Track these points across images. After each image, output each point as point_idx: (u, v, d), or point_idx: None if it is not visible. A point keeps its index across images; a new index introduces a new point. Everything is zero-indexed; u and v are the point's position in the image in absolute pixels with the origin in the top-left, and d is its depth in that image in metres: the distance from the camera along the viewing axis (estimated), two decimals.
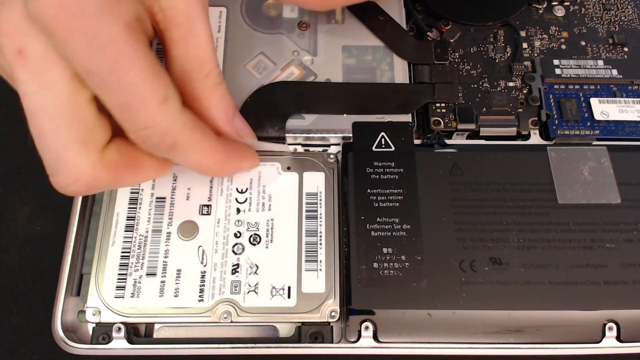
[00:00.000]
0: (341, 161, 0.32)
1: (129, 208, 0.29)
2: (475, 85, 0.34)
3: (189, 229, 0.29)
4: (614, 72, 0.34)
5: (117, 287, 0.28)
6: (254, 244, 0.29)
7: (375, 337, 0.28)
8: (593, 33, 0.36)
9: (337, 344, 0.28)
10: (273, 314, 0.28)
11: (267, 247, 0.29)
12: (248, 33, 0.36)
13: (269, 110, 0.33)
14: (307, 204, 0.30)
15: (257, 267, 0.28)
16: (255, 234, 0.29)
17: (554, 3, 0.37)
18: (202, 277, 0.28)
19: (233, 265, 0.28)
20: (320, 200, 0.30)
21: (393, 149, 0.31)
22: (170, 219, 0.29)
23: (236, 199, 0.30)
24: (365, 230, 0.29)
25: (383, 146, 0.31)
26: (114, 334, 0.28)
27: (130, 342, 0.28)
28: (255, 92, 0.33)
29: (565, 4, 0.37)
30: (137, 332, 0.29)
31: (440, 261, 0.29)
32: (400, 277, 0.28)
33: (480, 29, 0.36)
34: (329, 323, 0.28)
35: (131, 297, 0.28)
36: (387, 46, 0.35)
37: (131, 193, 0.29)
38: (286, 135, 0.32)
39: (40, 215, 0.33)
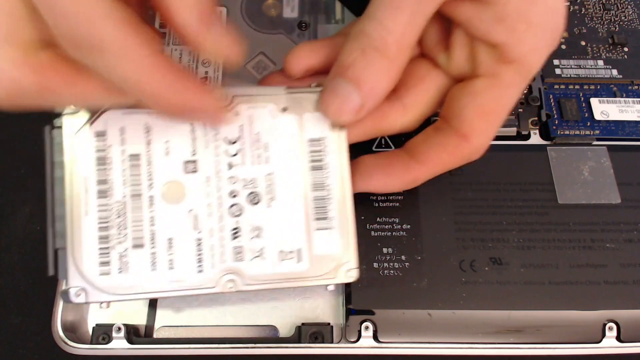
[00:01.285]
0: None
1: (98, 170, 0.24)
2: None
3: (174, 191, 0.25)
4: (614, 72, 0.34)
5: (100, 262, 0.24)
6: (254, 204, 0.25)
7: (375, 337, 0.28)
8: (593, 33, 0.36)
9: (337, 344, 0.28)
10: (284, 280, 0.25)
11: (269, 207, 0.25)
12: (248, 33, 0.36)
13: None
14: (311, 152, 0.25)
15: (261, 229, 0.25)
16: (253, 192, 0.25)
17: None
18: (198, 245, 0.24)
19: (232, 230, 0.24)
20: (326, 146, 0.25)
21: (393, 148, 0.31)
22: (150, 180, 0.24)
23: (226, 152, 0.25)
24: (365, 230, 0.29)
25: (383, 146, 0.31)
26: (114, 334, 0.28)
27: (130, 342, 0.28)
28: None
29: (566, 4, 0.37)
30: (137, 332, 0.29)
31: (440, 261, 0.29)
32: (400, 277, 0.28)
33: None
34: (348, 285, 0.27)
35: (119, 273, 0.24)
36: None
37: (97, 151, 0.24)
38: None
39: (40, 215, 0.33)
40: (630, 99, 0.33)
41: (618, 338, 0.28)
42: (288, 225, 0.25)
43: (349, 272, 0.25)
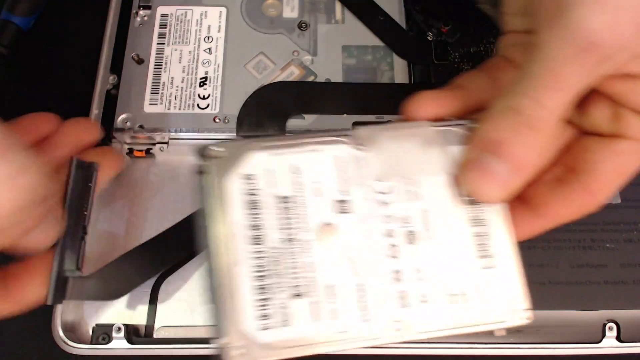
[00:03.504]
0: None
1: (248, 214, 0.23)
2: None
3: (328, 234, 0.23)
4: None
5: (260, 316, 0.22)
6: (412, 243, 0.23)
7: None
8: None
9: None
10: (453, 327, 0.23)
11: (428, 246, 0.23)
12: (248, 33, 0.36)
13: (269, 110, 0.33)
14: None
15: (422, 271, 0.23)
16: (410, 230, 0.23)
17: None
18: (360, 292, 0.22)
19: (393, 272, 0.23)
20: None
21: None
22: (302, 223, 0.23)
23: (377, 189, 0.23)
24: None
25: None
26: (114, 334, 0.28)
27: (130, 342, 0.28)
28: (255, 92, 0.33)
29: None
30: (137, 332, 0.29)
31: None
32: None
33: (480, 29, 0.36)
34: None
35: (281, 326, 0.22)
36: (387, 46, 0.35)
37: (245, 195, 0.23)
38: (286, 135, 0.32)
39: None
40: None
41: (618, 338, 0.28)
42: (450, 264, 0.23)
43: (522, 312, 0.23)
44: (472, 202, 0.23)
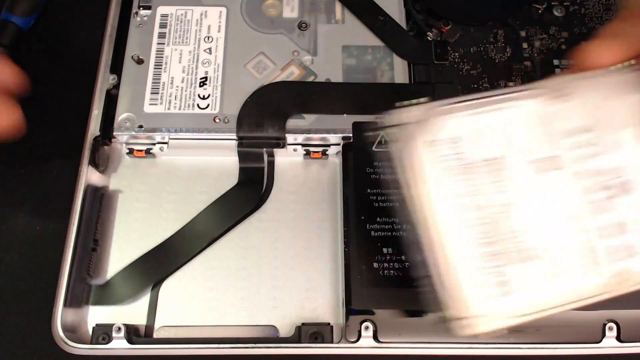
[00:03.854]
0: (341, 161, 0.32)
1: (449, 182, 0.21)
2: (475, 85, 0.34)
3: (536, 192, 0.22)
4: None
5: (482, 285, 0.21)
6: (626, 194, 0.22)
7: (375, 337, 0.28)
8: (593, 33, 0.36)
9: (337, 344, 0.28)
10: None
11: (637, 197, 0.22)
12: (248, 33, 0.36)
13: (269, 110, 0.33)
14: None
15: (632, 224, 0.22)
16: (616, 183, 0.22)
17: (553, 3, 0.37)
18: (580, 249, 0.22)
19: (611, 225, 0.22)
20: None
21: None
22: (506, 185, 0.22)
23: (575, 143, 0.22)
24: (365, 230, 0.29)
25: (383, 146, 0.31)
26: (114, 334, 0.28)
27: (130, 342, 0.28)
28: (255, 92, 0.33)
29: (565, 4, 0.37)
30: (137, 332, 0.29)
31: None
32: (400, 277, 0.28)
33: (480, 29, 0.36)
34: None
35: (503, 295, 0.21)
36: (387, 46, 0.35)
37: (443, 161, 0.22)
38: (286, 135, 0.32)
39: (40, 215, 0.33)
40: None
41: (618, 338, 0.28)
42: None
43: None
44: None
